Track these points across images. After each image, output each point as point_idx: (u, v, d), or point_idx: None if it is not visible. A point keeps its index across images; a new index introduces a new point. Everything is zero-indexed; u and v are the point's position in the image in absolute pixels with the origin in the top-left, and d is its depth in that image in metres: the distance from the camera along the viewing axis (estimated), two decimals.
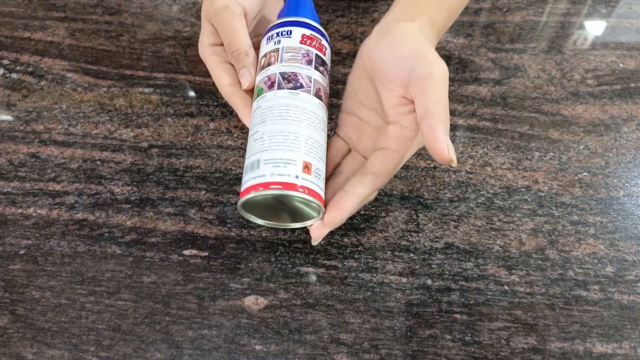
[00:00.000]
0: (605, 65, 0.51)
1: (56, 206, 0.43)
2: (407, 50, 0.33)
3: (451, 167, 0.32)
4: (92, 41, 0.55)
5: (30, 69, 0.53)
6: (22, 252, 0.41)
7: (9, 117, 0.49)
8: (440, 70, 0.32)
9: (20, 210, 0.43)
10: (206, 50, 0.40)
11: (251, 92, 0.38)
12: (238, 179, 0.44)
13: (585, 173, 0.44)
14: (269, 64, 0.37)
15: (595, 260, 0.40)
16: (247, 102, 0.38)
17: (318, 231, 0.35)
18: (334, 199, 0.34)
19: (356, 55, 0.38)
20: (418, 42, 0.33)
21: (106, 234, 0.42)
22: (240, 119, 0.39)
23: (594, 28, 0.55)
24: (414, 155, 0.45)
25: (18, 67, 0.53)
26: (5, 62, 0.54)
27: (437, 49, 0.35)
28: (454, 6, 0.39)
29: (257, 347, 0.36)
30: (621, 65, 0.51)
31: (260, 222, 0.36)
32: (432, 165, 0.45)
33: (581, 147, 0.46)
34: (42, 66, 0.53)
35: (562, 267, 0.39)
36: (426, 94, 0.31)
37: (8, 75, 0.53)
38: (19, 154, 0.47)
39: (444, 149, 0.30)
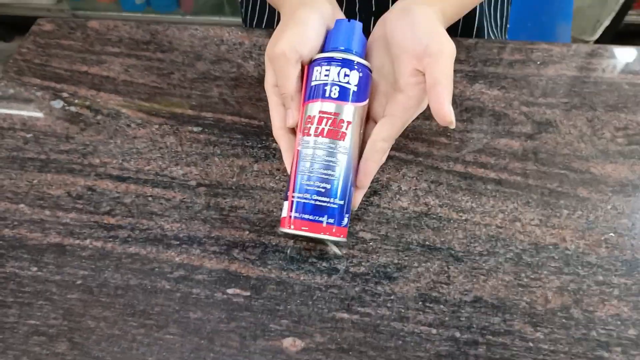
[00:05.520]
0: (636, 124, 0.53)
1: (110, 239, 0.47)
2: (424, 29, 0.40)
3: (450, 128, 0.42)
4: (144, 78, 0.59)
5: (87, 103, 0.57)
6: (79, 282, 0.45)
7: (67, 149, 0.53)
8: (450, 49, 0.38)
9: (77, 242, 0.47)
10: (269, 89, 0.45)
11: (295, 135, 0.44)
12: (279, 221, 0.47)
13: (611, 233, 0.46)
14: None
15: (619, 322, 0.41)
16: (290, 147, 0.44)
17: (356, 200, 0.43)
18: (360, 167, 0.42)
19: (374, 26, 0.46)
20: (433, 24, 0.40)
21: (156, 269, 0.45)
22: (283, 161, 0.45)
23: (626, 86, 0.56)
24: (446, 207, 0.47)
25: (76, 101, 0.57)
26: (65, 95, 0.58)
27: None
28: (465, 3, 0.50)
29: None
30: None
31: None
32: (463, 218, 0.47)
33: (609, 206, 0.47)
34: (98, 100, 0.57)
35: (585, 326, 0.41)
36: (437, 66, 0.37)
37: (67, 107, 0.57)
38: (76, 186, 0.50)
39: (447, 113, 0.36)
